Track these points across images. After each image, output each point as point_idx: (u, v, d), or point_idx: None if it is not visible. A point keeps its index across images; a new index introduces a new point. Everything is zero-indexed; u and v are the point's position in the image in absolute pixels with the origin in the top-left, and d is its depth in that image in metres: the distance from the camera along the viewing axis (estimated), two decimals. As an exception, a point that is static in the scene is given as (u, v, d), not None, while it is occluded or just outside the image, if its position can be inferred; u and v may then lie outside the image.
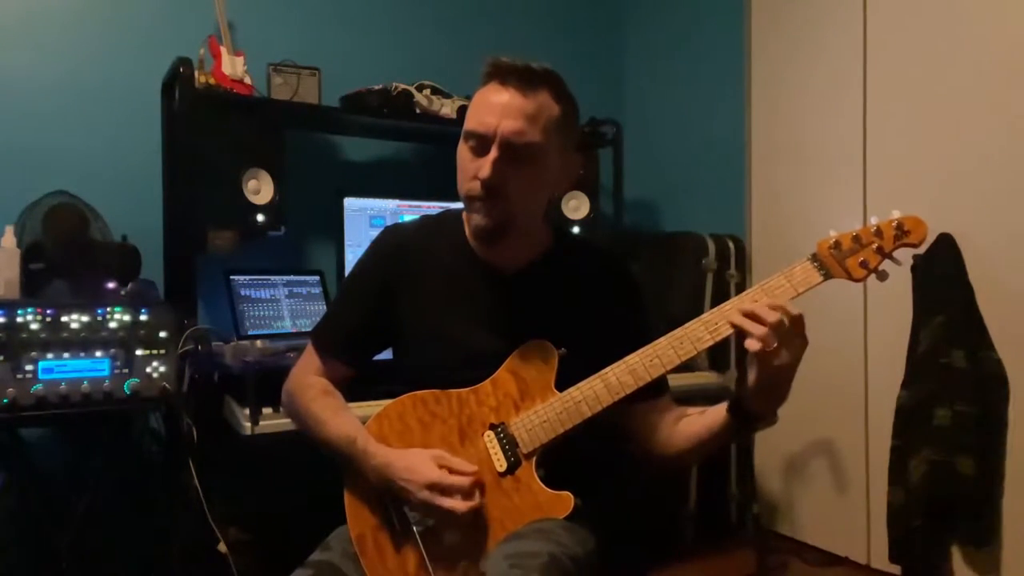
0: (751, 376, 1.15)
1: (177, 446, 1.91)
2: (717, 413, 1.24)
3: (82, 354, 1.74)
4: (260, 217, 2.21)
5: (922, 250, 2.02)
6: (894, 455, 2.14)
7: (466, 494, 1.19)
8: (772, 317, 1.09)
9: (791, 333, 1.10)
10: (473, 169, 1.24)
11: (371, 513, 1.29)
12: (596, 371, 1.22)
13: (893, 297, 2.17)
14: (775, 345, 1.09)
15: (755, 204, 2.75)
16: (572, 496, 1.20)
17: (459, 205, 1.38)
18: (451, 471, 1.20)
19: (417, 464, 1.22)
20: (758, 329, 1.09)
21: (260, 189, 2.23)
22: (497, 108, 1.21)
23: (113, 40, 2.33)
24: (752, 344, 1.10)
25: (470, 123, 1.24)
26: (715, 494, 2.68)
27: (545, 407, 1.23)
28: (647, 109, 3.23)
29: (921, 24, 2.22)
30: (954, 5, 2.15)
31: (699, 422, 1.27)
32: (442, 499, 1.18)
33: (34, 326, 1.71)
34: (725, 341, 1.19)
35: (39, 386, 1.69)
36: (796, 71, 2.59)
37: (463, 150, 1.26)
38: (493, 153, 1.21)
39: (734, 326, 1.13)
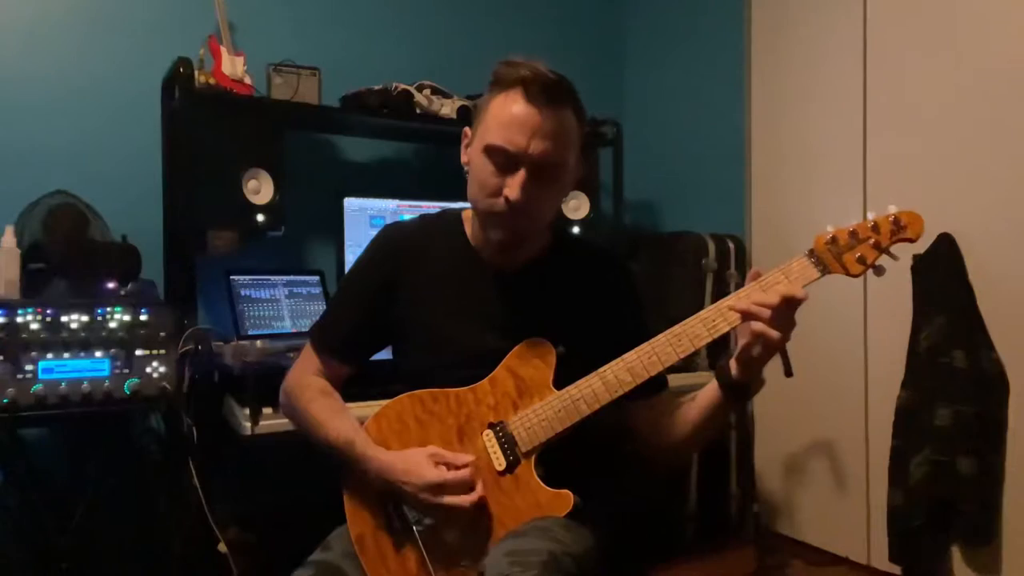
0: (745, 353, 1.16)
1: (177, 446, 1.91)
2: (710, 393, 1.24)
3: (82, 354, 1.74)
4: (260, 217, 2.21)
5: (922, 249, 2.05)
6: (894, 455, 2.14)
7: (466, 487, 1.19)
8: (775, 299, 1.11)
9: (788, 315, 1.13)
10: (496, 185, 1.22)
11: (371, 513, 1.29)
12: (595, 369, 1.22)
13: (893, 297, 2.17)
14: (780, 328, 1.12)
15: (755, 204, 2.75)
16: (572, 494, 1.20)
17: (458, 205, 1.39)
18: (448, 466, 1.21)
19: (415, 466, 1.22)
20: (764, 313, 1.12)
21: (260, 189, 2.23)
22: (527, 128, 1.20)
23: (113, 40, 2.34)
24: (759, 328, 1.12)
25: (496, 138, 1.22)
26: (715, 494, 2.68)
27: (543, 405, 1.23)
28: (647, 109, 3.23)
29: (921, 24, 2.22)
30: (954, 5, 2.15)
31: (694, 407, 1.27)
32: (443, 498, 1.19)
33: (34, 326, 1.71)
34: (724, 340, 1.20)
35: (39, 386, 1.69)
36: (796, 71, 2.59)
37: (484, 162, 1.24)
38: (522, 175, 1.20)
39: (741, 311, 1.15)
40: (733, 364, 1.19)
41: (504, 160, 1.21)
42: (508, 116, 1.21)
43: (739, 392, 1.21)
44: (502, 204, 1.22)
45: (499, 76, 1.24)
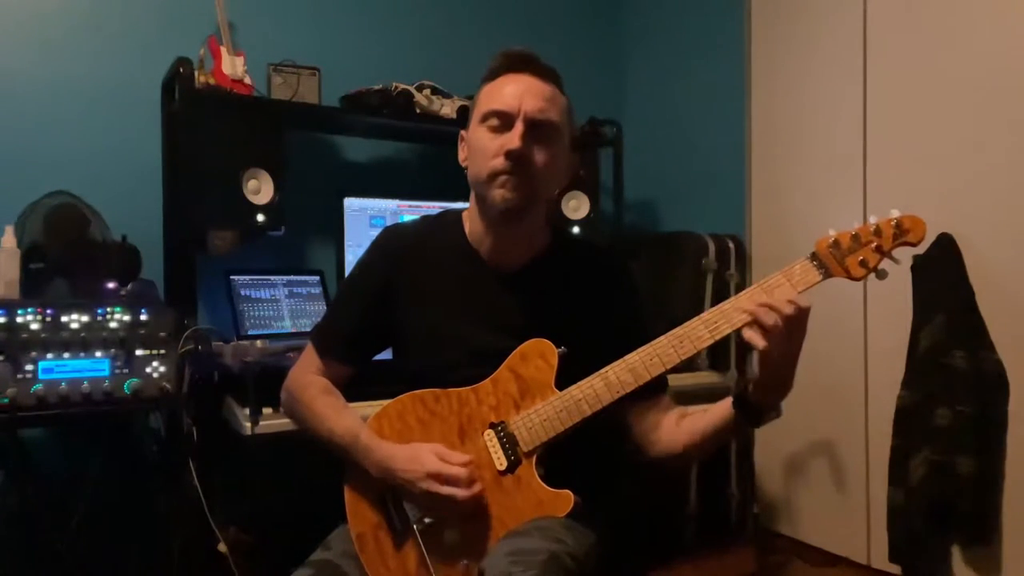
0: (757, 370, 1.15)
1: (177, 446, 1.91)
2: (722, 410, 1.23)
3: (82, 354, 1.74)
4: (260, 217, 2.21)
5: (922, 250, 2.04)
6: (894, 455, 2.14)
7: (465, 482, 1.19)
8: (788, 309, 1.09)
9: (796, 326, 1.11)
10: (497, 146, 1.25)
11: (371, 512, 1.29)
12: (596, 370, 1.22)
13: (893, 297, 2.17)
14: (780, 339, 1.10)
15: (755, 204, 2.74)
16: (572, 494, 1.20)
17: (459, 205, 1.39)
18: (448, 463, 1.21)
19: (418, 455, 1.23)
20: (770, 319, 1.10)
21: (260, 189, 2.23)
22: (519, 89, 1.26)
23: (113, 40, 2.33)
24: (757, 340, 1.11)
25: (491, 103, 1.27)
26: (715, 494, 2.68)
27: (545, 406, 1.23)
28: (647, 109, 3.23)
29: (921, 24, 2.22)
30: (954, 5, 2.15)
31: (703, 420, 1.26)
32: (442, 487, 1.19)
33: (34, 326, 1.71)
34: (725, 341, 1.20)
35: (39, 386, 1.69)
36: (796, 71, 2.59)
37: (481, 132, 1.28)
38: (520, 127, 1.24)
39: (750, 313, 1.13)
40: (751, 385, 1.19)
41: (502, 121, 1.26)
42: (499, 88, 1.28)
43: (751, 413, 1.20)
44: (503, 161, 1.24)
45: (488, 69, 1.32)
